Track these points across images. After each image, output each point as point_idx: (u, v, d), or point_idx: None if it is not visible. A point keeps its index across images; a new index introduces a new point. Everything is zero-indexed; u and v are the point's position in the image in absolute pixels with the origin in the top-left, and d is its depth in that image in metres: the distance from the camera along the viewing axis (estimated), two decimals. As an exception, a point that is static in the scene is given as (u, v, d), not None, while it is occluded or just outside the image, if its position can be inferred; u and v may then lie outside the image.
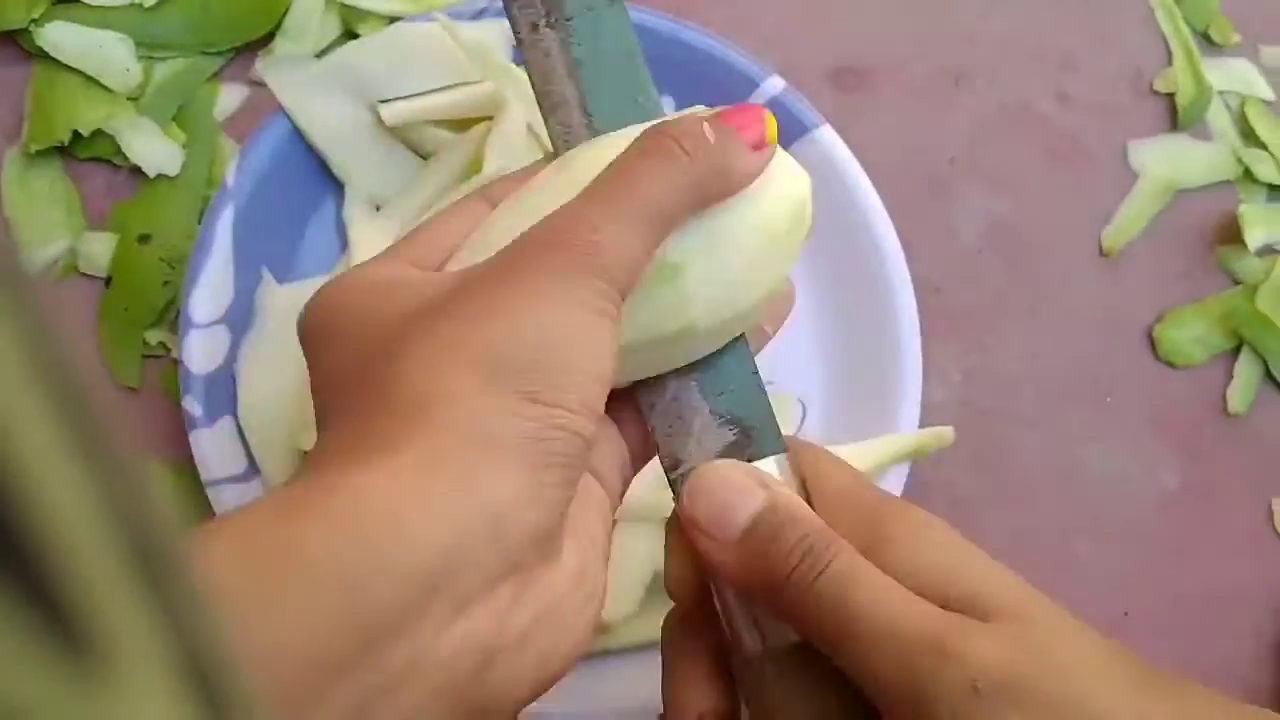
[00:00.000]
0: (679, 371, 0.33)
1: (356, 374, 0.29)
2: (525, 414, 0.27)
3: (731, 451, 0.32)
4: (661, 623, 0.33)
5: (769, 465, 0.32)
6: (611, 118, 0.33)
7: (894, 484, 0.42)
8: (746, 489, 0.31)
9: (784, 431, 0.33)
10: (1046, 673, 0.27)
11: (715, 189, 0.31)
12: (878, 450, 0.42)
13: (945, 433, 0.43)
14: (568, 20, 0.34)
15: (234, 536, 0.24)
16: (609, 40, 0.34)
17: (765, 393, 0.33)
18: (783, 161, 0.33)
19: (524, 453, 0.27)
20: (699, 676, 0.32)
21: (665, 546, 0.33)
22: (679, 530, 0.32)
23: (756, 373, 0.33)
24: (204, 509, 0.41)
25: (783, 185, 0.32)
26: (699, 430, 0.32)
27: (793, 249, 0.33)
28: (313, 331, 0.30)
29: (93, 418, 0.12)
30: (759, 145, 0.32)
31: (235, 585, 0.23)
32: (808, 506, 0.31)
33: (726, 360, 0.33)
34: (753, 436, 0.33)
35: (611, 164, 0.30)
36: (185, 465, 0.42)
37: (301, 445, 0.41)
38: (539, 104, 0.34)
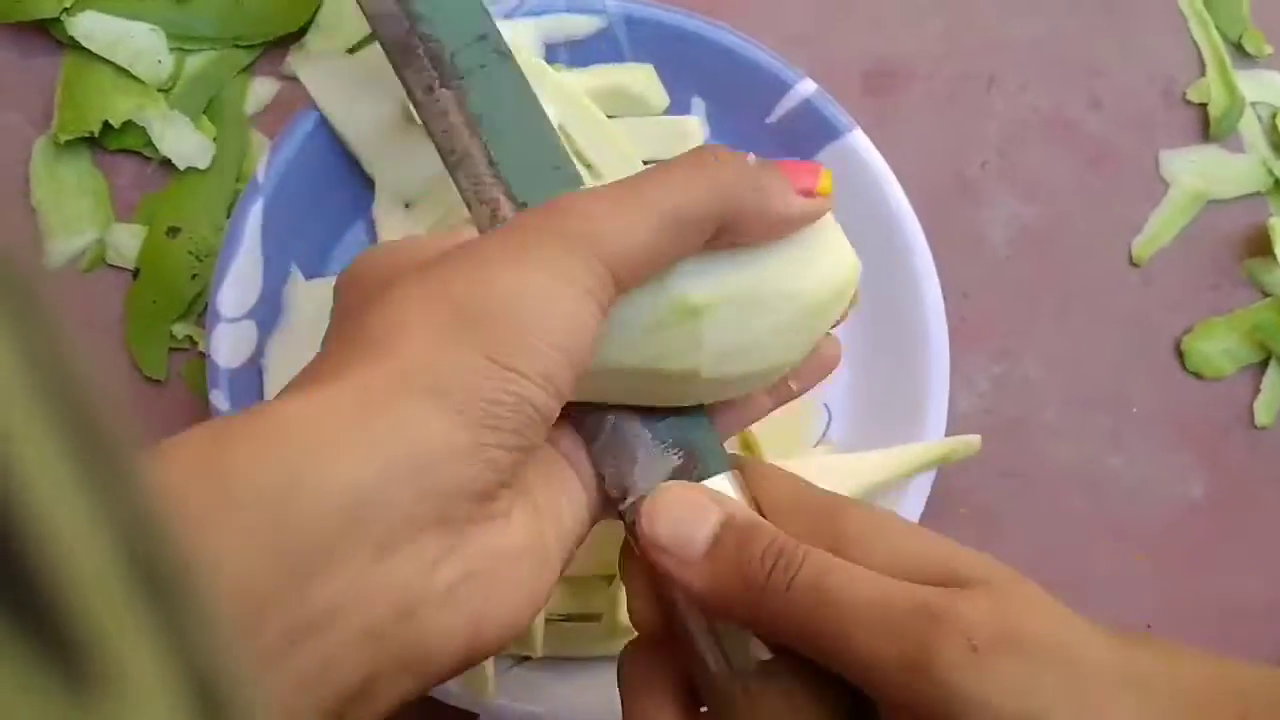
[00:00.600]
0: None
1: (344, 317, 0.29)
2: (477, 370, 0.26)
3: (678, 475, 0.32)
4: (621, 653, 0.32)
5: (720, 482, 0.32)
6: (516, 165, 0.34)
7: (919, 492, 0.42)
8: (703, 505, 0.30)
9: (798, 440, 0.33)
10: (1034, 626, 0.27)
11: (747, 214, 0.30)
12: (904, 458, 0.42)
13: (973, 440, 0.43)
14: (460, 79, 0.35)
15: (175, 460, 0.24)
16: (504, 93, 0.35)
17: (706, 415, 0.33)
18: (838, 237, 0.32)
19: (466, 408, 0.26)
20: (661, 708, 0.31)
21: (621, 576, 0.32)
22: (634, 558, 0.32)
23: (700, 405, 0.33)
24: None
25: (832, 258, 0.32)
26: (643, 457, 0.32)
27: (822, 325, 0.32)
28: (336, 289, 0.31)
29: (99, 434, 0.12)
30: (807, 192, 0.30)
31: (174, 508, 0.23)
32: (762, 518, 0.31)
33: None
34: (697, 458, 0.32)
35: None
36: (211, 459, 0.42)
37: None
38: (445, 162, 0.35)
